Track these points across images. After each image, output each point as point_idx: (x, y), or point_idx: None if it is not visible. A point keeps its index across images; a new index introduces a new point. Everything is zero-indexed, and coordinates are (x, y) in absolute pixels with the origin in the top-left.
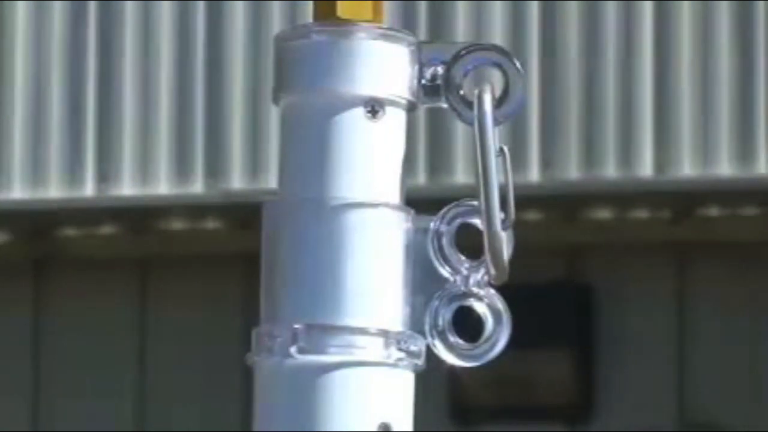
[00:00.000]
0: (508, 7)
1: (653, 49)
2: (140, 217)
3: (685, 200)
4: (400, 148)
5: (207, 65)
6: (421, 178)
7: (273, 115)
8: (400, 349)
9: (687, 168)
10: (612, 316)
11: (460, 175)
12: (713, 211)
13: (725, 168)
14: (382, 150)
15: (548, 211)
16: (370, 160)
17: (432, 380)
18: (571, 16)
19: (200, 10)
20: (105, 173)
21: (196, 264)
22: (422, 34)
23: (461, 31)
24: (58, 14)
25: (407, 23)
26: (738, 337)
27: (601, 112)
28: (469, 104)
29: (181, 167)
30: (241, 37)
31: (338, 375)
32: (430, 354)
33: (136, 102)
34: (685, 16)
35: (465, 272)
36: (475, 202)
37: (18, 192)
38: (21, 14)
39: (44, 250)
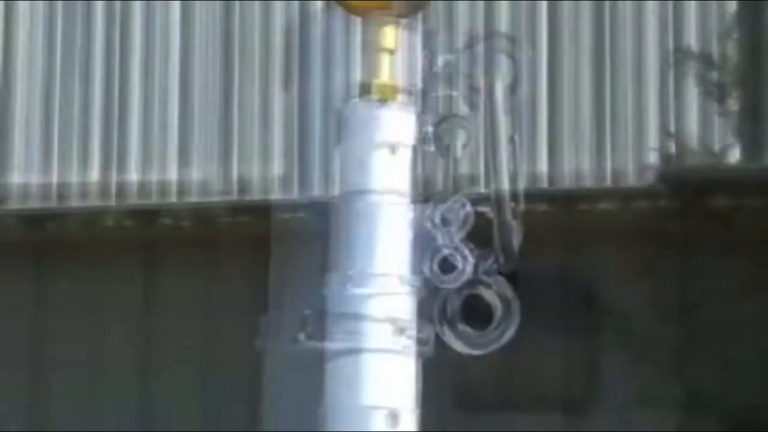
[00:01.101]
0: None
1: (659, 46)
2: (147, 206)
3: (691, 192)
4: (410, 140)
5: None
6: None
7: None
8: (407, 337)
9: (691, 160)
10: (612, 314)
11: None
12: (719, 202)
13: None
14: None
15: (552, 204)
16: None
17: (438, 370)
18: (583, 8)
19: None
20: (110, 160)
21: (201, 253)
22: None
23: (466, 25)
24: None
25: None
26: (738, 333)
27: (612, 107)
28: (479, 92)
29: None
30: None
31: (346, 361)
32: (438, 343)
33: (140, 102)
34: (692, 13)
35: (474, 260)
36: (484, 191)
37: (21, 178)
38: (21, 14)
39: (47, 237)
